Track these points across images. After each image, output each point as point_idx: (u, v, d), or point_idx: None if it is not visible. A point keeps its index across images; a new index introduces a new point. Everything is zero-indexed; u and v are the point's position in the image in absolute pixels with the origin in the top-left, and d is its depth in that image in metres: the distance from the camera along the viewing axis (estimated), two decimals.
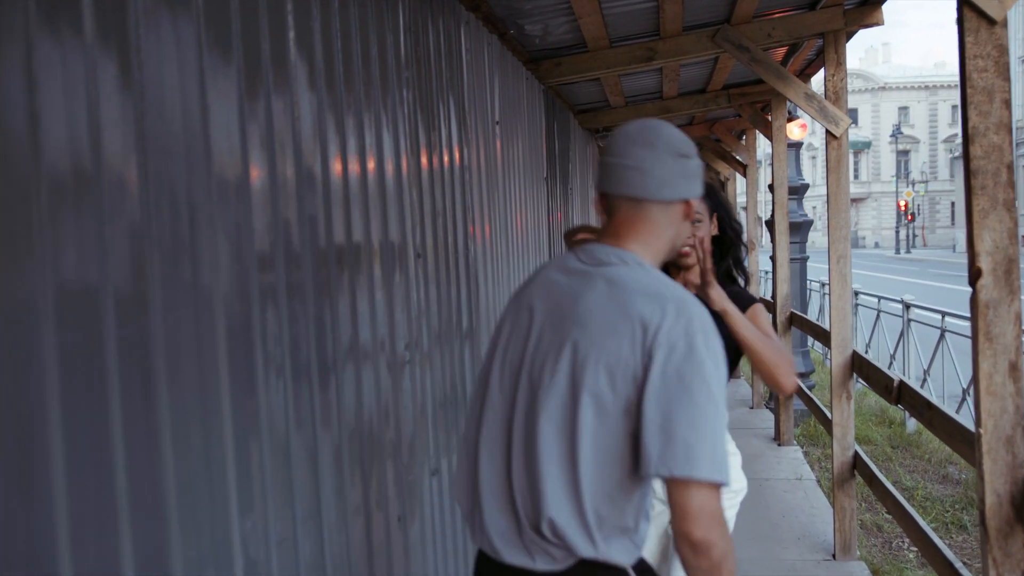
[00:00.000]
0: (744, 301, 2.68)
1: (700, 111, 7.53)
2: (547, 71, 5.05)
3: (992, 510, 2.48)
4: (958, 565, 3.44)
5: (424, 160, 2.72)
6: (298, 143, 1.84)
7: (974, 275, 2.47)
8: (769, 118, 7.44)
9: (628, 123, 1.77)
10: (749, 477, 6.53)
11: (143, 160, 1.32)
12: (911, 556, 5.35)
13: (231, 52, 1.61)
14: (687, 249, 2.55)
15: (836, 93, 4.84)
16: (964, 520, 5.95)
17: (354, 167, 2.12)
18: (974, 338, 2.52)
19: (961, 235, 53.05)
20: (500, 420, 1.69)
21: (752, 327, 2.52)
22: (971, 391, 7.72)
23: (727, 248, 2.78)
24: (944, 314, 8.29)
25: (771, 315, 7.89)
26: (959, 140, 56.89)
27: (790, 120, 7.65)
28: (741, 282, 2.88)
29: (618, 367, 1.58)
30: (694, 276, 2.61)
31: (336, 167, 2.04)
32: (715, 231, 2.75)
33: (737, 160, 9.70)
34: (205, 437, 1.46)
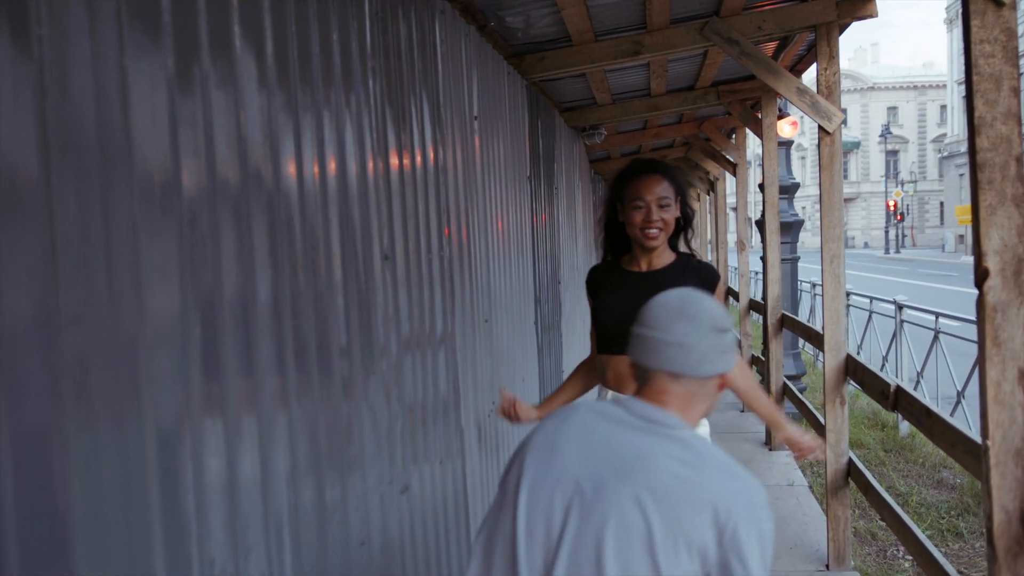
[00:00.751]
0: (712, 277, 3.02)
1: (689, 108, 7.36)
2: (530, 66, 4.87)
3: (1000, 528, 2.32)
4: None
5: (394, 159, 2.54)
6: (243, 139, 1.66)
7: (980, 276, 2.31)
8: (759, 116, 7.28)
9: (666, 294, 1.76)
10: None
11: (44, 155, 1.14)
12: (906, 565, 5.20)
13: (160, 29, 1.43)
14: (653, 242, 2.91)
15: (829, 88, 4.68)
16: (960, 527, 5.80)
17: (310, 168, 1.94)
18: (980, 343, 2.35)
19: (951, 235, 53.12)
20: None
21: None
22: (966, 394, 7.59)
23: (682, 228, 3.07)
24: (938, 315, 8.15)
25: (761, 317, 7.73)
26: (948, 140, 57.09)
27: (780, 118, 7.49)
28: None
29: (692, 542, 1.55)
30: (632, 265, 2.98)
31: (289, 168, 1.86)
32: (678, 213, 3.00)
33: (727, 159, 9.55)
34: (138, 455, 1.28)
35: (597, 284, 3.01)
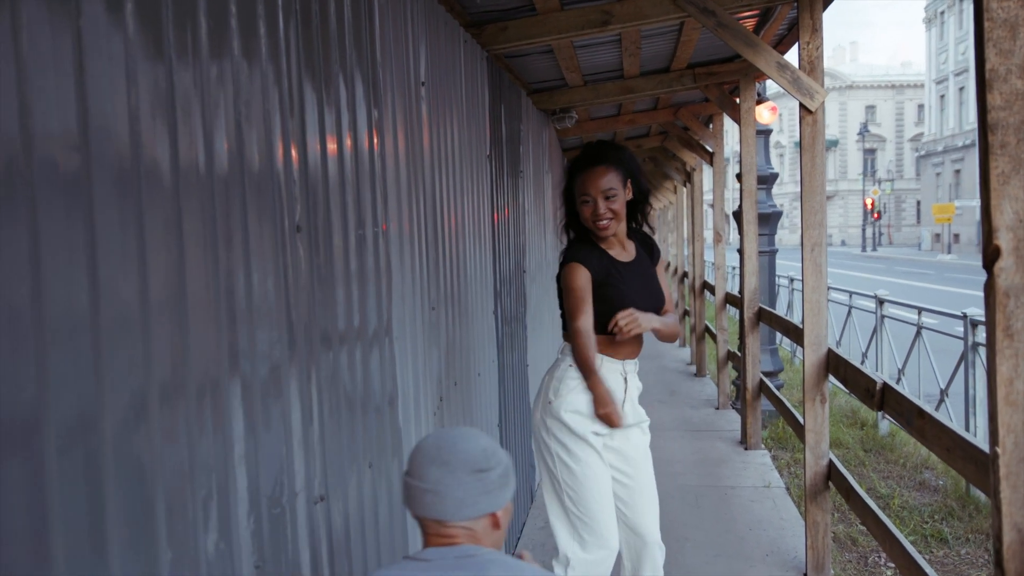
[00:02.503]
0: (657, 252, 3.37)
1: (664, 92, 7.02)
2: (491, 37, 4.52)
3: (1011, 549, 1.99)
4: None
5: (314, 142, 2.18)
6: (83, 113, 1.29)
7: (991, 255, 1.97)
8: (737, 101, 6.97)
9: (428, 436, 1.79)
10: (714, 484, 6.11)
11: None
12: (889, 573, 4.89)
13: None
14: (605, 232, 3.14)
15: (811, 63, 4.35)
16: (944, 532, 5.51)
17: (188, 153, 1.57)
18: (990, 335, 2.02)
19: (927, 233, 53.25)
20: None
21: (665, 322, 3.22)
22: (950, 392, 7.31)
23: (637, 206, 3.25)
24: (921, 310, 7.87)
25: (738, 310, 7.42)
26: (925, 139, 57.33)
27: (759, 103, 7.18)
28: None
29: None
30: (611, 248, 3.19)
31: (163, 154, 1.49)
32: (630, 195, 3.18)
33: (704, 148, 9.22)
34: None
35: (603, 270, 3.12)
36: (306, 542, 2.02)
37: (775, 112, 7.31)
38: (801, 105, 4.35)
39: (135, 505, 1.37)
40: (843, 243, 67.10)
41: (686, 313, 13.24)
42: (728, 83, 7.05)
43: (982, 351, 6.37)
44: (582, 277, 3.07)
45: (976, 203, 44.97)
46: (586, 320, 3.03)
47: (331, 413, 2.22)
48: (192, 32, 1.60)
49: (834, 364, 4.29)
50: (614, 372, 3.17)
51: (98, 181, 1.30)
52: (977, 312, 6.44)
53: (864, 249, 55.21)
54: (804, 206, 4.41)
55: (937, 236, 51.96)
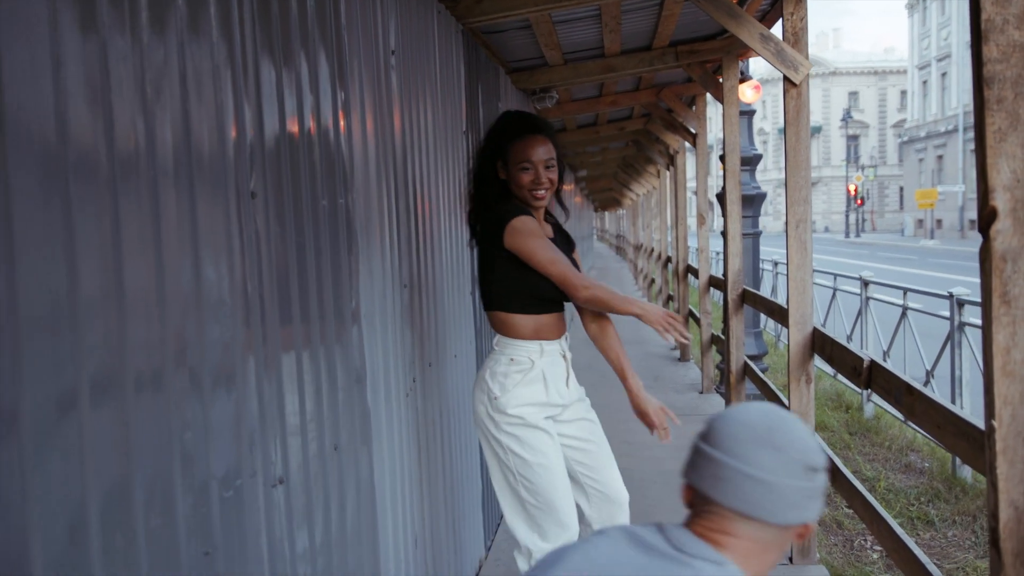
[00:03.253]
0: (573, 242, 3.31)
1: (646, 70, 6.89)
2: (467, 8, 4.38)
3: (1008, 528, 1.89)
4: (937, 574, 2.87)
5: (272, 121, 2.05)
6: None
7: (987, 217, 1.86)
8: (720, 80, 6.84)
9: (746, 409, 1.41)
10: None
11: None
12: (875, 556, 4.81)
13: None
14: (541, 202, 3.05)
15: (795, 35, 4.24)
16: (931, 514, 5.43)
17: (126, 141, 1.44)
18: (985, 302, 1.91)
19: (910, 219, 53.40)
20: None
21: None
22: (935, 374, 7.24)
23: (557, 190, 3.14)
24: (906, 290, 7.78)
25: (722, 293, 7.31)
26: (908, 125, 57.45)
27: (742, 81, 7.06)
28: (563, 216, 3.37)
29: None
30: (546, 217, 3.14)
31: (95, 139, 1.36)
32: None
33: (687, 130, 9.10)
34: None
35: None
36: (262, 526, 1.89)
37: (759, 91, 7.20)
38: (785, 78, 4.24)
39: (72, 490, 1.25)
40: (826, 229, 67.24)
41: (670, 298, 13.14)
42: (711, 62, 6.93)
43: (968, 331, 6.29)
44: (540, 228, 2.98)
45: (959, 188, 45.17)
46: (570, 267, 2.92)
47: (291, 394, 2.10)
48: (130, 5, 1.46)
49: (820, 343, 4.19)
50: (555, 354, 3.06)
51: (17, 168, 1.17)
52: (964, 291, 6.36)
53: (847, 235, 55.32)
54: (789, 182, 4.30)
55: (920, 222, 52.13)
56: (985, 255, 1.88)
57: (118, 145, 1.41)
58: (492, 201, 3.05)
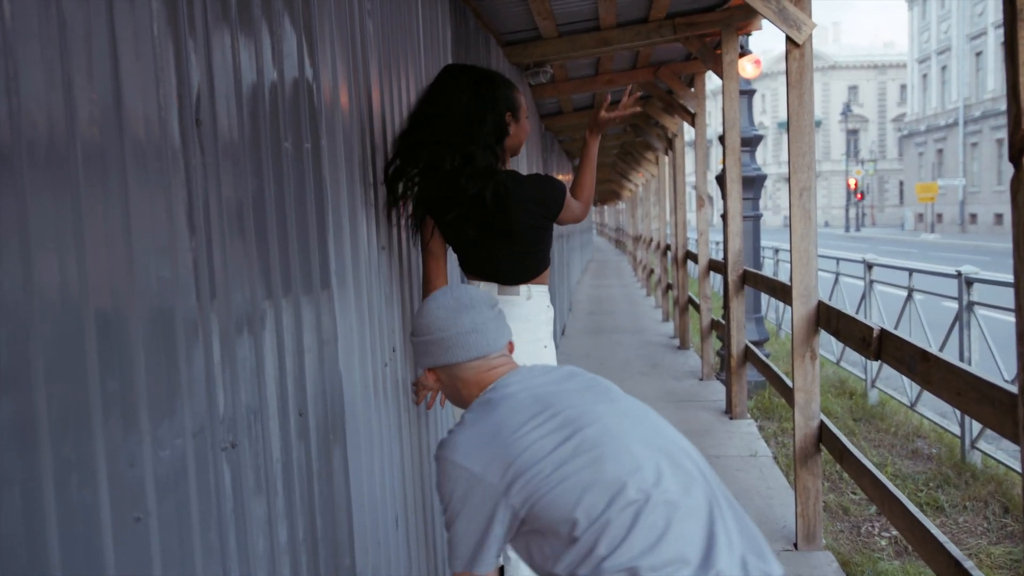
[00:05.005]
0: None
1: (643, 44, 6.67)
2: None
3: None
4: (957, 553, 2.66)
5: (226, 90, 1.84)
6: None
7: (1019, 143, 1.65)
8: (719, 54, 6.63)
9: (433, 299, 2.12)
10: None
11: None
12: (884, 543, 4.60)
13: None
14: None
15: None
16: (940, 500, 5.23)
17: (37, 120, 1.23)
18: (1016, 241, 1.71)
19: (910, 213, 53.19)
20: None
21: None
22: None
23: None
24: (911, 271, 7.56)
25: (722, 276, 7.11)
26: (908, 119, 57.29)
27: (742, 56, 6.85)
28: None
29: None
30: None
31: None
32: None
33: (685, 109, 8.87)
34: None
35: None
36: (211, 492, 1.68)
37: (759, 65, 6.99)
38: (787, 39, 4.03)
39: None
40: (826, 224, 67.00)
41: (669, 287, 12.94)
42: (710, 35, 6.71)
43: (977, 310, 6.08)
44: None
45: (959, 182, 44.97)
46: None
47: (246, 349, 1.89)
48: None
49: (825, 316, 3.98)
50: (544, 295, 3.12)
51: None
52: (972, 270, 6.15)
53: (848, 230, 55.10)
54: (792, 148, 4.09)
55: (920, 216, 51.89)
56: (1017, 186, 1.68)
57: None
58: (495, 159, 2.94)
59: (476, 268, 3.09)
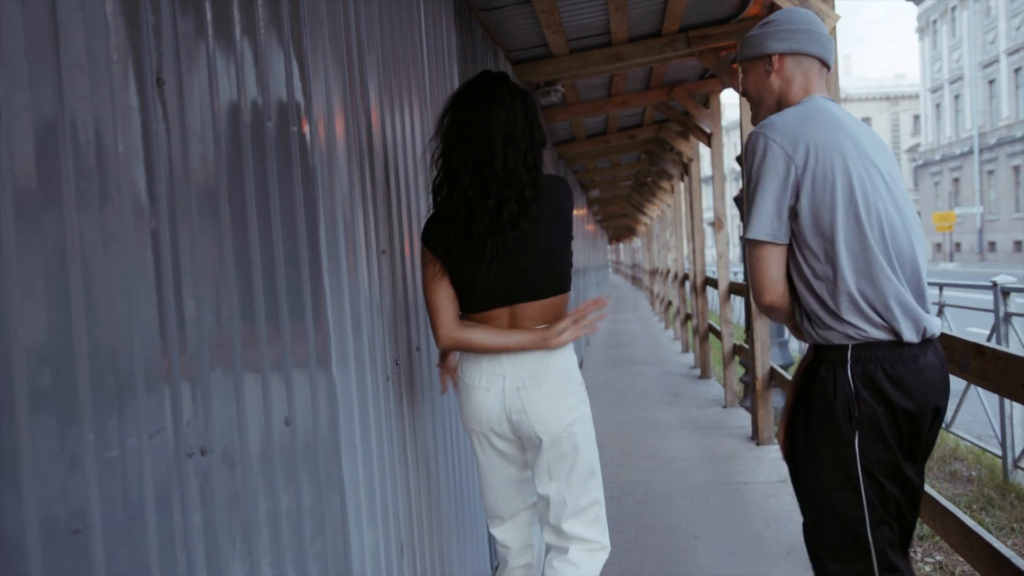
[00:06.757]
0: None
1: (657, 59, 6.47)
2: None
3: None
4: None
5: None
6: None
7: None
8: (736, 67, 6.43)
9: None
10: (725, 480, 5.52)
11: None
12: (927, 569, 4.30)
13: None
14: None
15: None
16: (986, 522, 4.91)
17: None
18: None
19: (928, 243, 52.68)
20: None
21: None
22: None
23: None
24: (942, 286, 7.28)
25: (743, 299, 6.84)
26: (922, 149, 56.97)
27: None
28: None
29: None
30: None
31: None
32: None
33: (701, 130, 8.66)
34: None
35: None
36: (173, 503, 1.45)
37: None
38: None
39: None
40: None
41: (688, 317, 12.67)
42: (725, 48, 6.52)
43: (1016, 321, 5.80)
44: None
45: (977, 210, 44.54)
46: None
47: (231, 361, 1.66)
48: None
49: None
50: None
51: None
52: (1009, 279, 5.88)
53: None
54: None
55: (939, 245, 51.42)
56: None
57: None
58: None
59: None
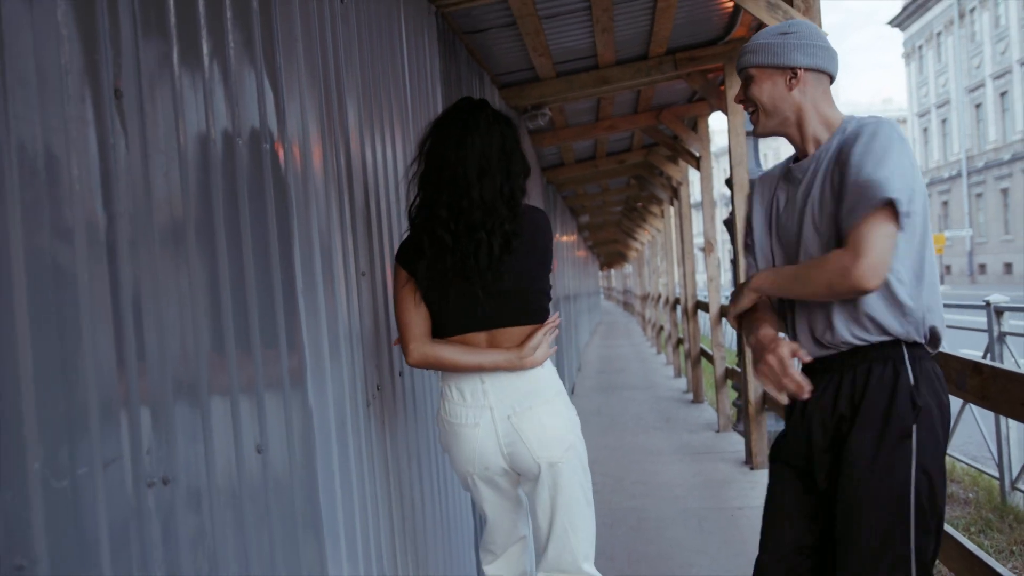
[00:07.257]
0: None
1: (644, 82, 6.44)
2: None
3: None
4: None
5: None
6: None
7: None
8: (724, 89, 6.41)
9: None
10: (719, 505, 5.42)
11: None
12: None
13: None
14: None
15: (807, 2, 3.79)
16: (985, 546, 4.83)
17: None
18: None
19: None
20: None
21: None
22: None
23: None
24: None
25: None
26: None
27: None
28: None
29: None
30: None
31: None
32: None
33: (690, 153, 8.63)
34: None
35: None
36: (131, 537, 1.36)
37: None
38: None
39: None
40: None
41: (679, 342, 12.60)
42: (713, 71, 6.50)
43: (1009, 340, 5.74)
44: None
45: (967, 233, 44.69)
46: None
47: (197, 385, 1.58)
48: None
49: None
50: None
51: None
52: (1001, 299, 5.82)
53: None
54: None
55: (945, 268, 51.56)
56: None
57: None
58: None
59: None
